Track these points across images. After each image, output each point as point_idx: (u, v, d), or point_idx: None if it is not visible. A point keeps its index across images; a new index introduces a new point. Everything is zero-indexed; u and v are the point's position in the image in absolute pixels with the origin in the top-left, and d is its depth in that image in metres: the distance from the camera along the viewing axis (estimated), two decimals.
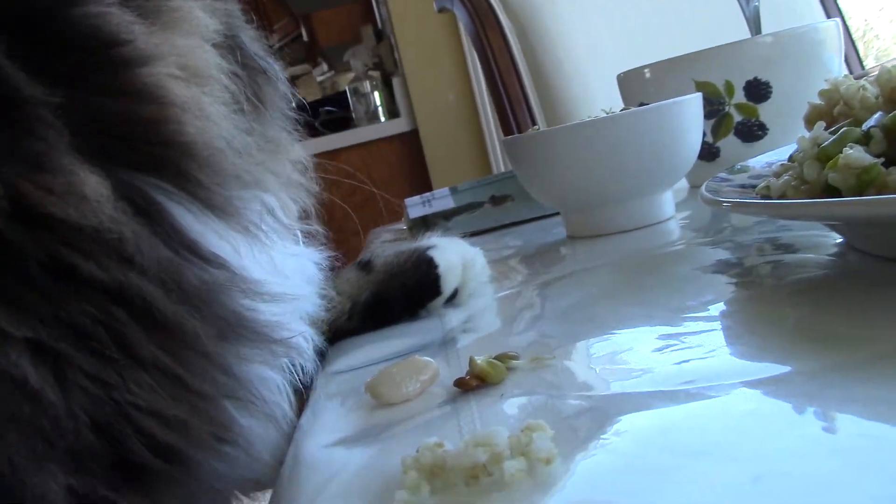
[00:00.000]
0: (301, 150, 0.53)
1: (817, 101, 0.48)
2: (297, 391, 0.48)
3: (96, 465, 0.32)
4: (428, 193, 0.97)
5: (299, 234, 0.52)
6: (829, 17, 1.35)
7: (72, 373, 0.31)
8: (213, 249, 0.38)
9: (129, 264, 0.33)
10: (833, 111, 0.45)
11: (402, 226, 1.04)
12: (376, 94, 2.98)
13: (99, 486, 0.31)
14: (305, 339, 0.47)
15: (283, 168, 0.50)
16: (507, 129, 1.57)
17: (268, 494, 0.38)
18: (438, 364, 0.39)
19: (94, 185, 0.33)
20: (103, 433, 0.32)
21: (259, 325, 0.39)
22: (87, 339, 0.32)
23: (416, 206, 0.94)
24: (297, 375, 0.45)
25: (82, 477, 0.31)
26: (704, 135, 0.74)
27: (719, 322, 0.39)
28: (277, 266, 0.44)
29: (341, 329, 0.53)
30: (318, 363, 0.49)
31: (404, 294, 0.53)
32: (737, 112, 0.75)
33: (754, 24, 0.82)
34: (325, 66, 3.58)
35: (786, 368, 0.30)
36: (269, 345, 0.40)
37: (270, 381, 0.42)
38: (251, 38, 0.48)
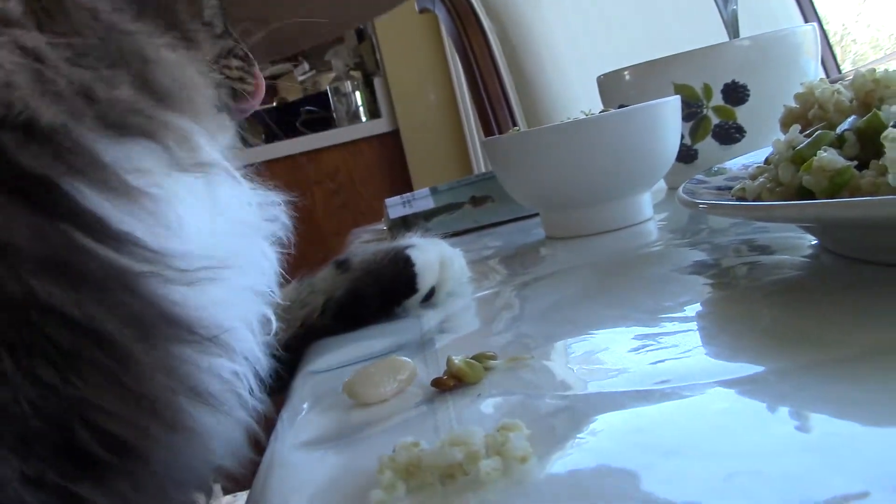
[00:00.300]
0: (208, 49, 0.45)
1: (793, 104, 0.48)
2: (274, 391, 0.48)
3: (48, 453, 0.31)
4: (408, 194, 0.96)
5: (232, 170, 0.45)
6: (806, 21, 1.36)
7: (11, 369, 0.31)
8: (120, 226, 0.35)
9: (6, 265, 0.31)
10: (808, 114, 0.46)
11: (383, 226, 1.04)
12: (357, 94, 2.98)
13: (51, 473, 0.31)
14: (248, 326, 0.43)
15: (180, 86, 0.41)
16: (487, 129, 1.58)
17: (244, 495, 0.37)
18: (416, 364, 0.39)
19: None
20: (52, 423, 0.31)
21: (186, 322, 0.36)
22: (13, 344, 0.31)
23: (396, 207, 0.94)
24: (250, 362, 0.43)
25: (34, 464, 0.31)
26: (682, 137, 0.74)
27: (695, 322, 0.39)
28: (200, 226, 0.39)
29: (315, 326, 0.53)
30: (276, 343, 0.47)
31: (379, 291, 0.53)
32: (715, 115, 0.76)
33: (732, 27, 0.83)
34: (306, 66, 3.57)
35: (759, 368, 0.30)
36: (201, 343, 0.37)
37: (215, 371, 0.39)
38: None
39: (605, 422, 0.29)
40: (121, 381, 0.33)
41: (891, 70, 0.42)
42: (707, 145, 0.77)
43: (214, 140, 0.44)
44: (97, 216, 0.34)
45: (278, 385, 0.48)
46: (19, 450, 0.31)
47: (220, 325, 0.39)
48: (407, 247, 0.54)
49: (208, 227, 0.40)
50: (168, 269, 0.36)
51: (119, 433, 0.33)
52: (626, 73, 0.80)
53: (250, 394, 0.43)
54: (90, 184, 0.35)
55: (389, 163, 2.80)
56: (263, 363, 0.44)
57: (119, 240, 0.35)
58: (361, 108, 2.96)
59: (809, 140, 0.40)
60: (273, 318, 0.47)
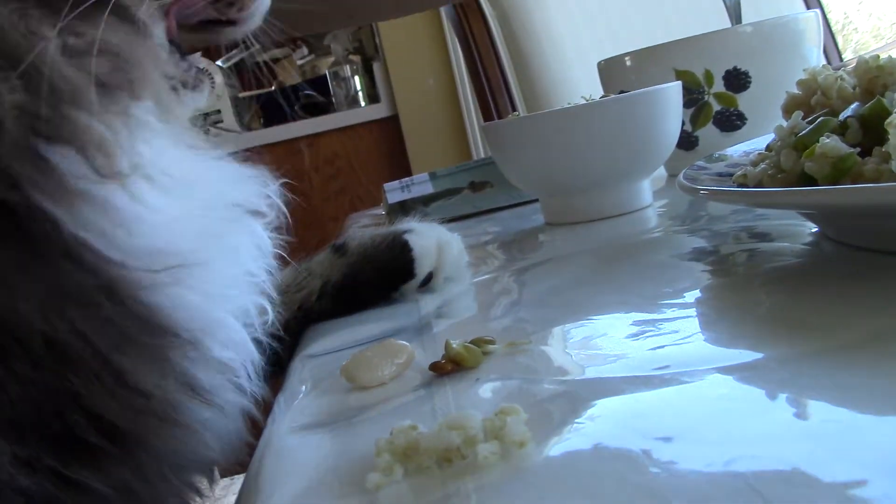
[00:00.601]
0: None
1: (796, 91, 0.48)
2: (272, 374, 0.48)
3: (41, 436, 0.32)
4: (407, 178, 0.96)
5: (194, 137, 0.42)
6: (809, 8, 1.36)
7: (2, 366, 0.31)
8: (78, 233, 0.33)
9: None
10: (811, 101, 0.45)
11: (381, 211, 1.04)
12: (356, 78, 2.96)
13: (44, 455, 0.31)
14: (238, 314, 0.42)
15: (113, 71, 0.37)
16: (487, 114, 1.57)
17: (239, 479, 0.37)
18: (414, 348, 0.38)
19: None
20: (44, 411, 0.32)
21: (166, 327, 0.35)
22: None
23: (394, 192, 0.94)
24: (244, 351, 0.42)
25: (26, 446, 0.31)
26: (683, 123, 0.74)
27: (694, 309, 0.39)
28: (165, 221, 0.37)
29: (312, 310, 0.53)
30: (274, 336, 0.46)
31: (377, 276, 0.53)
32: (716, 101, 0.75)
33: (734, 13, 0.82)
34: (305, 50, 3.55)
35: (759, 355, 0.30)
36: (185, 347, 0.36)
37: (206, 366, 0.39)
38: None
39: (603, 407, 0.28)
40: (104, 379, 0.33)
41: (894, 57, 0.42)
42: (708, 132, 0.77)
43: (157, 124, 0.39)
44: (54, 224, 0.33)
45: (276, 368, 0.48)
46: (11, 434, 0.31)
47: (204, 323, 0.38)
48: (405, 231, 0.54)
49: (175, 219, 0.38)
50: (138, 273, 0.35)
51: (114, 422, 0.33)
52: (626, 58, 0.80)
53: (248, 380, 0.42)
54: (42, 191, 0.33)
55: (388, 148, 2.79)
56: (256, 354, 0.43)
57: (82, 247, 0.34)
58: (360, 93, 2.95)
59: (812, 126, 0.40)
60: (268, 304, 0.46)
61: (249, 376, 0.42)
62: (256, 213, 0.46)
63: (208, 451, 0.40)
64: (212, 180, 0.43)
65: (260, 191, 0.46)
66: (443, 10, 1.92)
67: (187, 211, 0.39)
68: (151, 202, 0.37)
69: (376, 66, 2.86)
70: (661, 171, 0.82)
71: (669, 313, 0.38)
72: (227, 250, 0.42)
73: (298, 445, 0.33)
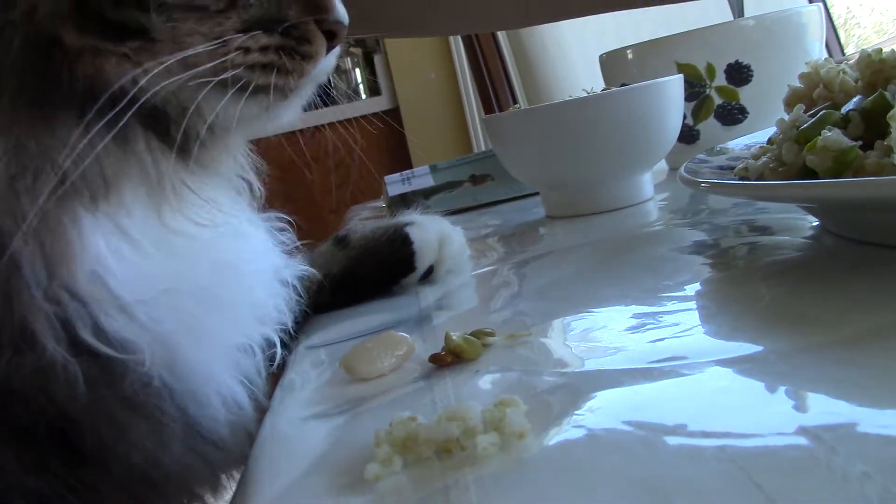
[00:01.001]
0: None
1: (798, 84, 0.48)
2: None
3: (47, 443, 0.32)
4: (408, 171, 0.96)
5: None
6: (811, 2, 1.35)
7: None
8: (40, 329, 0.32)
9: None
10: (813, 94, 0.45)
11: (381, 203, 1.04)
12: (357, 70, 2.96)
13: (51, 460, 0.32)
14: (234, 369, 0.41)
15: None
16: (488, 107, 1.57)
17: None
18: (414, 340, 0.39)
19: None
20: (52, 423, 0.32)
21: (150, 414, 0.35)
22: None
23: (395, 184, 0.94)
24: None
25: (32, 451, 0.32)
26: (685, 117, 0.74)
27: (695, 302, 0.39)
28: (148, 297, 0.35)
29: (312, 301, 0.53)
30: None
31: (378, 269, 0.53)
32: (717, 95, 0.75)
33: (737, 6, 0.82)
34: None
35: (758, 348, 0.30)
36: (176, 426, 0.36)
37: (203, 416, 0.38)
38: None
39: (602, 399, 0.28)
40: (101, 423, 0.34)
41: None
42: (709, 126, 0.76)
43: (142, 213, 0.36)
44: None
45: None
46: (17, 439, 0.31)
47: (194, 384, 0.37)
48: (406, 224, 0.54)
49: (149, 317, 0.36)
50: (113, 357, 0.34)
51: (114, 448, 0.34)
52: (628, 51, 0.80)
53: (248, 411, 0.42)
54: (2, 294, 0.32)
55: (389, 140, 2.79)
56: (258, 391, 0.42)
57: (45, 336, 0.33)
58: (361, 86, 2.94)
59: (814, 120, 0.40)
60: (276, 339, 0.44)
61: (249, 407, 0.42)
62: (263, 279, 0.44)
63: (210, 475, 0.41)
64: (209, 253, 0.40)
65: (273, 262, 0.45)
66: None
67: (165, 293, 0.36)
68: (120, 302, 0.35)
69: (377, 59, 2.85)
70: (663, 165, 0.82)
71: (670, 306, 0.38)
72: (213, 329, 0.40)
73: (298, 436, 0.33)
